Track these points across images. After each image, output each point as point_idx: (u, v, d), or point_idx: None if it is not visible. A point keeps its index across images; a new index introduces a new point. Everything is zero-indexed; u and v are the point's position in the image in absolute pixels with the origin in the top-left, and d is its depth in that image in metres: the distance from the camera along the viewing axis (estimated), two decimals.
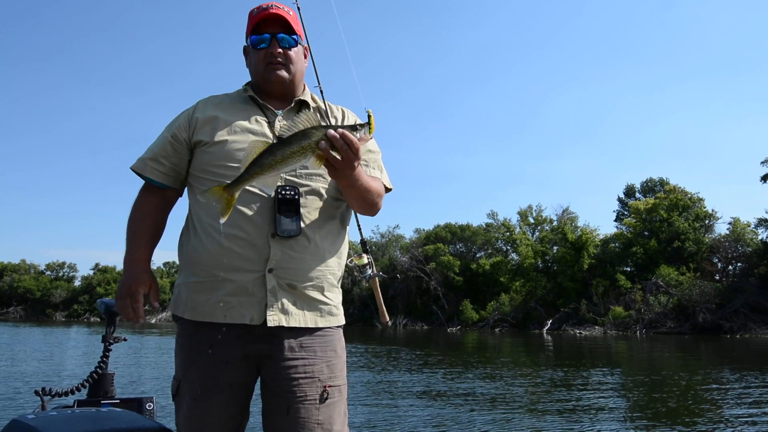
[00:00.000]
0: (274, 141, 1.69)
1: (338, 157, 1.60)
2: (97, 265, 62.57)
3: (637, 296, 33.05)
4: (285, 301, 1.78)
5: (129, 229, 1.94)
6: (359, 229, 2.42)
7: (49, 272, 64.08)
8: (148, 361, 15.68)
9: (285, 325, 1.76)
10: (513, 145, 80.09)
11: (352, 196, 1.82)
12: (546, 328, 34.44)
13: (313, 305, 1.83)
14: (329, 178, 1.81)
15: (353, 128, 1.59)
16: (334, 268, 1.90)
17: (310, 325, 1.81)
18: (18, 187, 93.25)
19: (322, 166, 1.65)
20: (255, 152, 1.61)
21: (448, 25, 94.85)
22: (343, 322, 1.94)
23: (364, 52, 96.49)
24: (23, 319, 55.10)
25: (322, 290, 1.85)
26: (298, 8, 2.08)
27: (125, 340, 3.01)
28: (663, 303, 31.82)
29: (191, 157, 1.91)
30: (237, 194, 1.66)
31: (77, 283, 62.36)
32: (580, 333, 32.12)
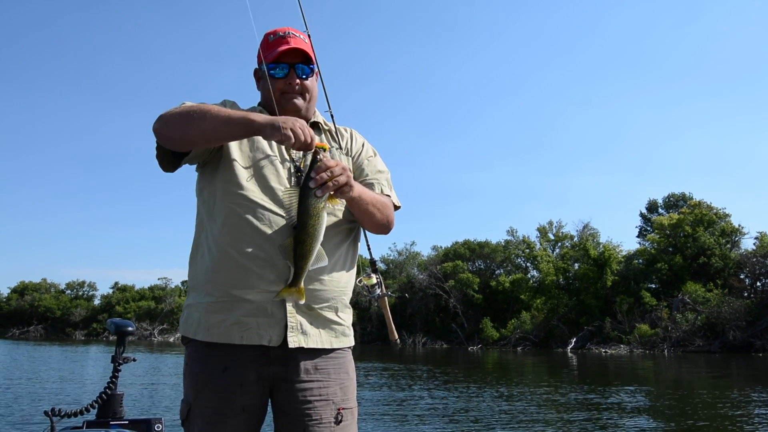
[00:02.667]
0: (290, 164, 1.86)
1: (339, 183, 1.65)
2: (116, 284, 63.51)
3: (663, 314, 32.38)
4: (303, 321, 1.78)
5: (211, 111, 1.70)
6: (368, 249, 2.41)
7: (69, 291, 65.03)
8: (161, 381, 15.64)
9: (304, 346, 1.77)
10: (531, 160, 79.77)
11: (363, 213, 1.86)
12: (570, 346, 33.85)
13: (328, 326, 1.85)
14: (343, 200, 1.83)
15: (315, 161, 1.66)
16: (347, 288, 1.92)
17: (326, 346, 1.82)
18: (40, 204, 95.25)
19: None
20: (289, 249, 1.68)
21: (464, 40, 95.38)
22: (353, 343, 1.96)
23: (378, 67, 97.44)
24: (43, 337, 55.75)
25: (336, 311, 1.87)
26: (309, 35, 2.09)
27: (134, 360, 3.00)
28: (690, 321, 31.13)
29: (207, 162, 1.88)
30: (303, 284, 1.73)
31: (97, 301, 63.19)
32: (605, 352, 31.48)
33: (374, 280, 2.36)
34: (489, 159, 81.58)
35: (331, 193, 1.67)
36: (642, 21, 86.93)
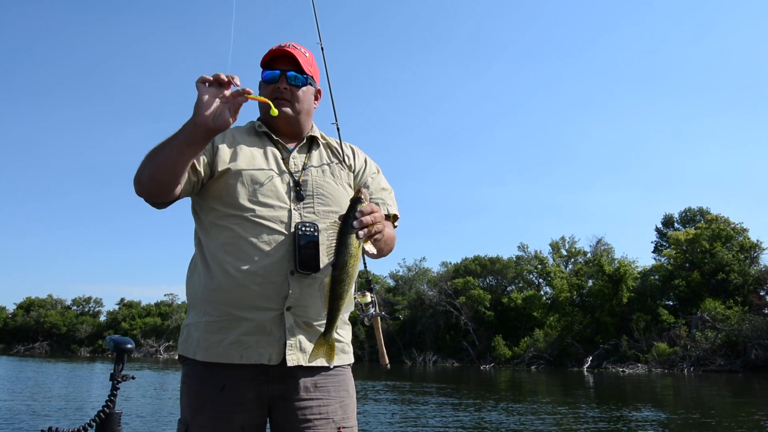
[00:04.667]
0: (290, 179, 1.87)
1: (379, 230, 1.68)
2: (122, 300, 63.83)
3: (681, 332, 31.91)
4: (302, 339, 1.78)
5: (160, 145, 1.68)
6: (365, 267, 2.40)
7: (75, 307, 65.36)
8: (164, 399, 15.52)
9: (304, 364, 1.76)
10: (542, 175, 79.52)
11: (377, 247, 1.85)
12: (586, 365, 33.37)
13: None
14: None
15: (359, 201, 1.67)
16: (347, 302, 1.88)
17: (326, 363, 1.80)
18: (47, 219, 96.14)
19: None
20: (326, 289, 1.68)
21: (474, 53, 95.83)
22: (353, 360, 1.96)
23: (387, 81, 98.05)
24: (48, 354, 55.90)
25: (336, 327, 1.84)
26: (322, 48, 2.16)
27: (133, 378, 2.93)
28: (710, 339, 30.62)
29: (204, 184, 1.87)
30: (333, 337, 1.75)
31: (102, 318, 63.46)
32: (623, 371, 30.99)
33: (369, 299, 2.36)
34: (500, 173, 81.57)
35: (375, 235, 1.68)
36: (656, 33, 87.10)
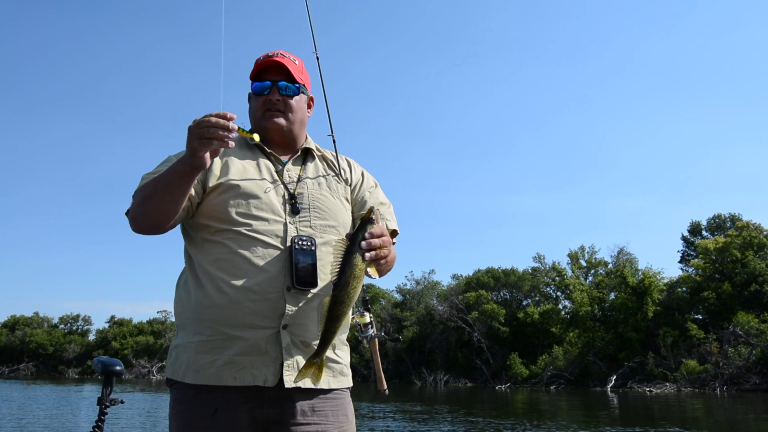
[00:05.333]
0: (284, 191, 1.90)
1: (385, 255, 1.71)
2: (112, 317, 63.68)
3: (712, 348, 31.59)
4: (300, 359, 1.78)
5: (150, 181, 1.78)
6: (364, 286, 2.37)
7: (62, 325, 65.35)
8: (155, 424, 15.40)
9: (302, 385, 1.76)
10: (559, 182, 79.24)
11: (377, 267, 1.89)
12: (610, 385, 33.02)
13: (325, 363, 1.84)
14: (342, 231, 1.92)
15: (370, 222, 1.70)
16: (344, 324, 1.90)
17: (323, 386, 1.83)
18: (33, 238, 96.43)
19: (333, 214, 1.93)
20: (325, 308, 1.69)
21: (495, 63, 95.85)
22: (351, 383, 1.97)
23: (405, 89, 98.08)
24: (34, 376, 55.88)
25: (333, 348, 1.88)
26: (317, 57, 2.18)
27: (122, 402, 2.86)
28: (744, 355, 30.30)
29: (199, 201, 1.90)
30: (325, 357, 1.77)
31: (92, 337, 63.37)
32: (650, 391, 30.63)
33: (368, 319, 2.38)
34: (514, 182, 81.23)
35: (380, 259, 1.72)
36: (677, 33, 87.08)
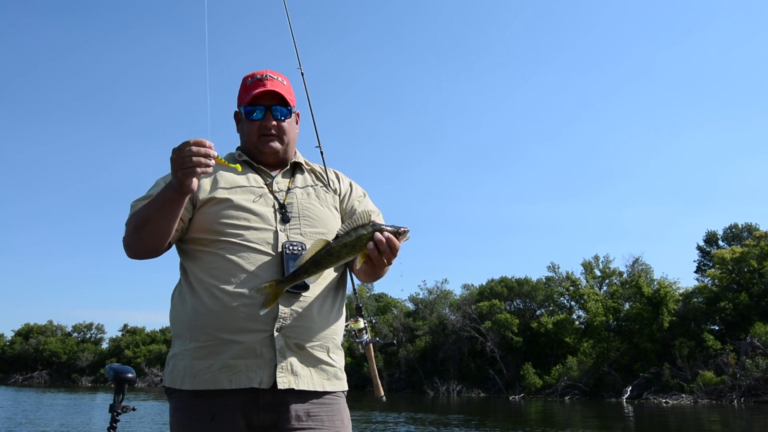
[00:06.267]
0: (274, 201, 1.95)
1: (382, 259, 1.76)
2: (125, 326, 64.12)
3: (730, 359, 31.11)
4: (293, 361, 1.82)
5: (142, 208, 1.85)
6: (354, 292, 2.42)
7: (76, 334, 65.86)
8: (165, 430, 15.42)
9: (295, 387, 1.80)
10: (574, 191, 78.83)
11: (370, 273, 1.98)
12: (625, 396, 32.61)
13: (319, 367, 1.89)
14: (332, 238, 1.93)
15: (397, 233, 1.78)
16: (338, 328, 1.98)
17: (317, 388, 1.86)
18: (46, 245, 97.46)
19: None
20: (313, 249, 1.76)
21: (510, 71, 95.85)
22: (347, 387, 2.00)
23: (417, 98, 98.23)
24: (48, 384, 56.28)
25: (327, 351, 1.93)
26: (302, 73, 2.30)
27: (134, 409, 2.85)
28: (762, 367, 29.80)
29: (191, 216, 1.95)
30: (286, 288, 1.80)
31: (105, 345, 63.80)
32: (666, 402, 30.22)
33: (362, 325, 2.40)
34: (528, 191, 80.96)
35: (374, 258, 1.77)
36: (694, 42, 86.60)
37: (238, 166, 1.87)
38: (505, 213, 79.11)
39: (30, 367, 61.10)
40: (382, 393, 2.46)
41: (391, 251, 1.75)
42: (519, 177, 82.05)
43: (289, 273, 1.78)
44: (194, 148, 1.64)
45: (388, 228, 1.77)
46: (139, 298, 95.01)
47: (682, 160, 77.69)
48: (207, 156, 1.65)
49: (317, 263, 1.75)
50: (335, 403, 1.92)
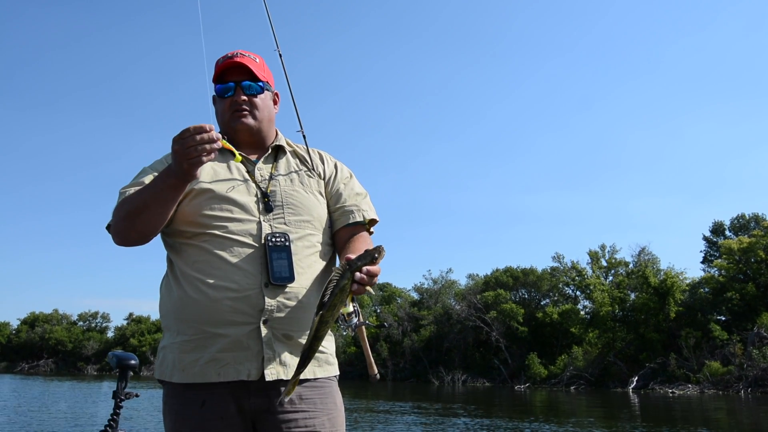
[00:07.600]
0: (257, 190, 1.93)
1: (364, 292, 1.72)
2: (131, 315, 64.44)
3: (736, 349, 31.10)
4: (281, 351, 1.82)
5: (135, 195, 1.82)
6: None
7: (81, 323, 66.34)
8: None
9: (284, 378, 1.80)
10: (580, 181, 78.54)
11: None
12: (632, 386, 32.68)
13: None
14: (318, 225, 1.98)
15: (373, 258, 1.72)
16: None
17: (308, 376, 1.85)
18: (52, 234, 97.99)
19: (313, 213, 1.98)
20: (313, 328, 1.70)
21: (517, 61, 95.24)
22: (338, 372, 2.00)
23: (425, 87, 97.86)
24: (54, 372, 56.79)
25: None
26: (280, 54, 2.21)
27: (137, 396, 2.86)
28: None
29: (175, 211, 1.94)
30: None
31: (110, 334, 64.22)
32: (672, 392, 30.26)
33: (351, 308, 2.36)
34: (534, 181, 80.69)
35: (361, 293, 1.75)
36: (702, 34, 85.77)
37: (237, 155, 1.82)
38: (511, 203, 78.99)
39: (36, 355, 61.67)
40: (376, 371, 2.46)
41: (373, 283, 1.73)
42: (525, 167, 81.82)
43: (298, 363, 1.73)
44: (197, 137, 1.60)
45: (365, 262, 1.72)
46: (144, 287, 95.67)
47: (690, 151, 77.33)
48: (211, 141, 1.61)
49: (319, 338, 1.73)
50: (327, 386, 1.93)
